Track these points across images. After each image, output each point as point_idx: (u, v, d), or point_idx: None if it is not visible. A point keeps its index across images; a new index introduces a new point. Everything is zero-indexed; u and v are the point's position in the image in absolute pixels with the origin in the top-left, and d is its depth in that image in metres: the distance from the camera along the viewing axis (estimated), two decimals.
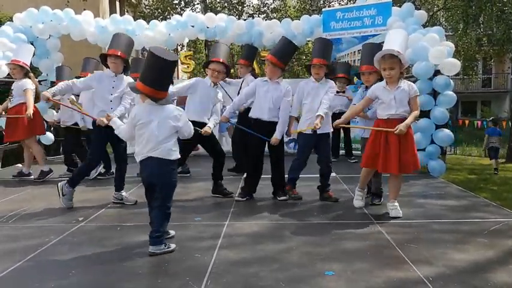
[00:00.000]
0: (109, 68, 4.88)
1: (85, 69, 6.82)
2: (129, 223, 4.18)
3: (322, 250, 3.38)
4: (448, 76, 6.45)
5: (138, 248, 3.46)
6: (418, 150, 6.76)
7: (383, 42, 4.53)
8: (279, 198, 5.01)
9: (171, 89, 4.56)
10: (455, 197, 5.16)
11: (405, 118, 4.15)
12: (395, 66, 4.09)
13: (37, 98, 6.44)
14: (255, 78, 7.10)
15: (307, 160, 4.97)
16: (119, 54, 4.81)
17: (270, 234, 3.80)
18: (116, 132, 3.74)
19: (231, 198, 5.08)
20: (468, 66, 16.89)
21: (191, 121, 4.40)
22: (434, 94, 6.59)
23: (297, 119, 5.06)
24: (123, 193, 4.98)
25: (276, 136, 4.83)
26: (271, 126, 4.87)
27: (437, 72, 6.44)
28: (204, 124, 4.93)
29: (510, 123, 11.38)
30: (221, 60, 5.04)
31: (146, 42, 8.40)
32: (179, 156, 3.48)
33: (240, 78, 6.92)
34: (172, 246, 3.41)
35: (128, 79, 4.98)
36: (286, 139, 5.44)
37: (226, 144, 7.84)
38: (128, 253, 3.38)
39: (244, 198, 5.00)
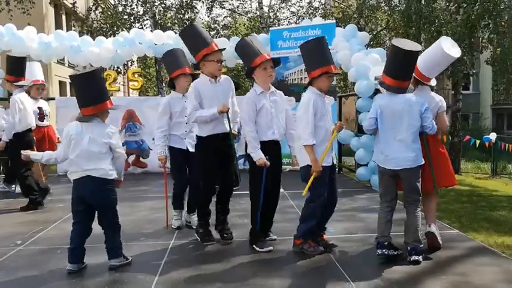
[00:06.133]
0: (175, 88, 4.52)
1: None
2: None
3: (266, 266, 3.46)
4: None
5: (77, 272, 3.38)
6: (361, 165, 7.06)
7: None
8: (257, 248, 3.88)
9: (195, 114, 3.90)
10: (396, 210, 5.36)
11: None
12: None
13: None
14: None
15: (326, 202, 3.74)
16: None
17: (215, 253, 3.83)
18: None
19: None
20: None
21: (213, 135, 3.95)
22: None
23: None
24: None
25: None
26: (279, 146, 4.00)
27: (377, 91, 6.73)
28: (226, 133, 4.00)
29: (450, 138, 11.99)
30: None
31: (92, 59, 8.28)
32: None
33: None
34: (130, 258, 3.57)
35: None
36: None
37: None
38: (66, 278, 3.31)
39: (274, 237, 4.15)
